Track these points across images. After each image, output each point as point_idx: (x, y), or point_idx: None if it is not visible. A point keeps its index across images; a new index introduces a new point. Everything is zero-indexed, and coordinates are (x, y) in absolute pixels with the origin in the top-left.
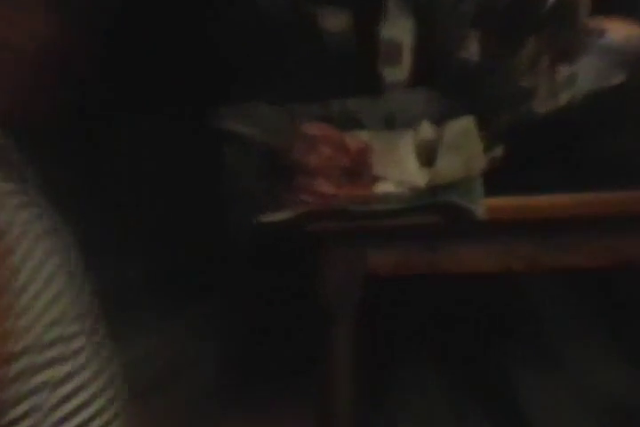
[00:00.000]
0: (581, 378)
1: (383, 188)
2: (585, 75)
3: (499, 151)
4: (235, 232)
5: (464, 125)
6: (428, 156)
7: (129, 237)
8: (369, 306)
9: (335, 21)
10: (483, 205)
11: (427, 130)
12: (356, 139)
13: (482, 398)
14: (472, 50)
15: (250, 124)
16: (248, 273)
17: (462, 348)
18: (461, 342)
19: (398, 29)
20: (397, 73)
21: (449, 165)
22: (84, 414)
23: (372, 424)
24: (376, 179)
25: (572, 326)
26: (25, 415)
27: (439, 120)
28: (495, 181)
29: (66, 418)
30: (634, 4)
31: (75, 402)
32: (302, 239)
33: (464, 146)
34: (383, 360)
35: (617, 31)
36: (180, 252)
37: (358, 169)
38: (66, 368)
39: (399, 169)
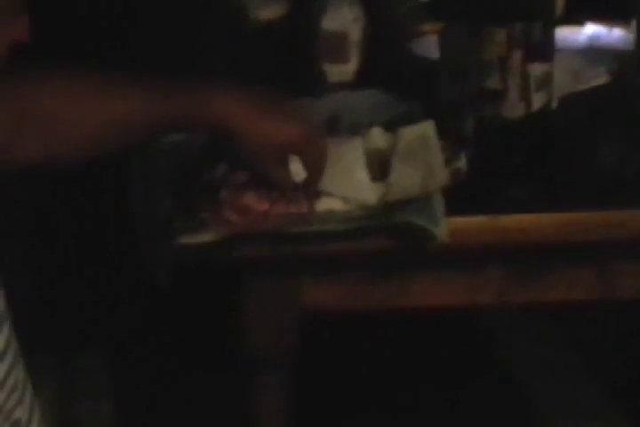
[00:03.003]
0: None
1: (326, 205)
2: (562, 74)
3: (462, 162)
4: (148, 261)
5: (421, 132)
6: (379, 167)
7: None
8: (306, 350)
9: (268, 9)
10: (444, 227)
11: (378, 137)
12: None
13: None
14: (430, 44)
15: None
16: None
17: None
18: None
19: (342, 19)
20: (342, 71)
21: (404, 179)
22: None
23: None
24: (317, 194)
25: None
26: None
27: (392, 126)
28: (459, 197)
29: None
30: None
31: None
32: (224, 268)
33: (422, 156)
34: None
35: (598, 25)
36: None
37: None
38: None
39: (346, 182)
